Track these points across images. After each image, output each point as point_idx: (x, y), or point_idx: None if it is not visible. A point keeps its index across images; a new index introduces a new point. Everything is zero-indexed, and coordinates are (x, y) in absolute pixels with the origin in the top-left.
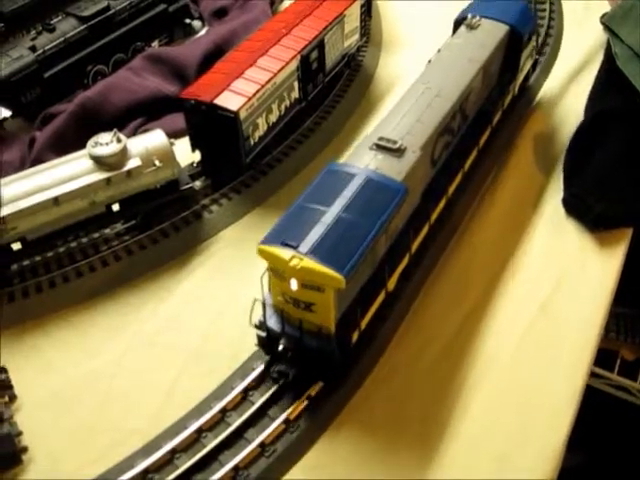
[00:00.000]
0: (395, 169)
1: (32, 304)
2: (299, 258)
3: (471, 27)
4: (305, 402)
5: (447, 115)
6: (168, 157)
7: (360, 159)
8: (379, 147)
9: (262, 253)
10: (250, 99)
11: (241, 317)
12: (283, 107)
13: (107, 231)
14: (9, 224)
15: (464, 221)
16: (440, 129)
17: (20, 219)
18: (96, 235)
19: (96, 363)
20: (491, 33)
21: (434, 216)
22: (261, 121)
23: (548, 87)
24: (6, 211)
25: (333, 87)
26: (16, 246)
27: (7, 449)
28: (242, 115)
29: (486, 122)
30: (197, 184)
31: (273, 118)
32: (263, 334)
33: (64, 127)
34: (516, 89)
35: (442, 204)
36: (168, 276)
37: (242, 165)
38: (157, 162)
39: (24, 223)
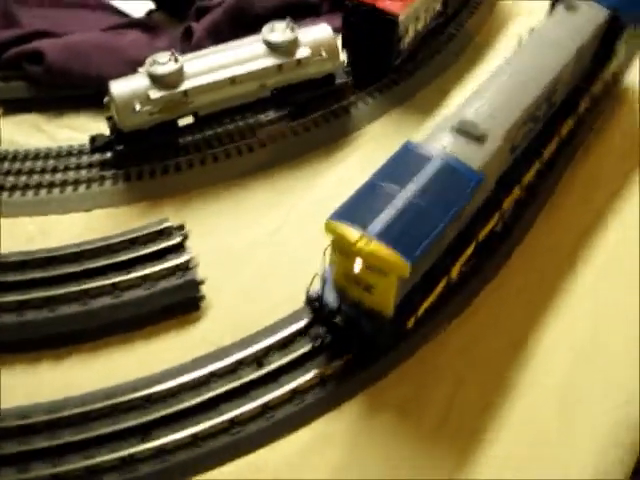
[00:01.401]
0: (474, 156)
1: (196, 175)
2: (367, 240)
3: (570, 8)
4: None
5: (534, 103)
6: (333, 50)
7: (439, 140)
8: (459, 131)
9: (329, 228)
10: (409, 5)
11: None
12: (428, 17)
13: (262, 117)
14: (189, 98)
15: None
16: (525, 117)
17: (199, 94)
18: (254, 119)
19: (253, 234)
20: (590, 17)
21: (506, 206)
22: (411, 27)
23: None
24: (189, 85)
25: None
26: (187, 121)
27: (192, 294)
28: (401, 19)
29: (572, 111)
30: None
31: (420, 26)
32: (317, 305)
33: (220, 20)
34: (608, 78)
35: (516, 194)
36: (319, 162)
37: (389, 67)
38: (323, 53)
39: (201, 98)
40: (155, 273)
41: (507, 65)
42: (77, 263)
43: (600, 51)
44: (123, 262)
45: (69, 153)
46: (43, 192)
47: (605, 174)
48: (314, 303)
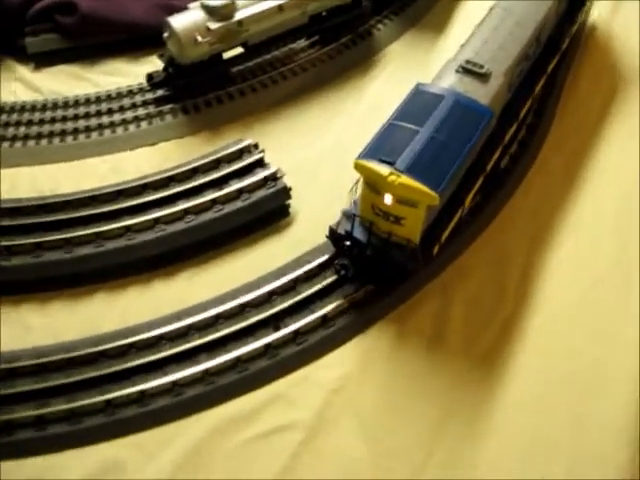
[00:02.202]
0: (481, 93)
1: (248, 101)
2: (396, 175)
3: None
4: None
5: (527, 44)
6: None
7: (447, 81)
8: (466, 70)
9: (359, 168)
10: None
11: None
12: None
13: (300, 43)
14: (244, 27)
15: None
16: (520, 56)
17: (251, 23)
18: (294, 46)
19: (317, 147)
20: None
21: (507, 138)
22: None
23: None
24: (243, 15)
25: None
26: (236, 51)
27: (283, 201)
28: None
29: (555, 49)
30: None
31: None
32: (346, 242)
33: None
34: (583, 17)
35: (514, 127)
36: (356, 80)
37: None
38: None
39: (253, 27)
40: (248, 186)
41: (499, 9)
42: (169, 187)
43: None
44: (216, 180)
45: (120, 95)
46: (107, 132)
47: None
48: (343, 240)
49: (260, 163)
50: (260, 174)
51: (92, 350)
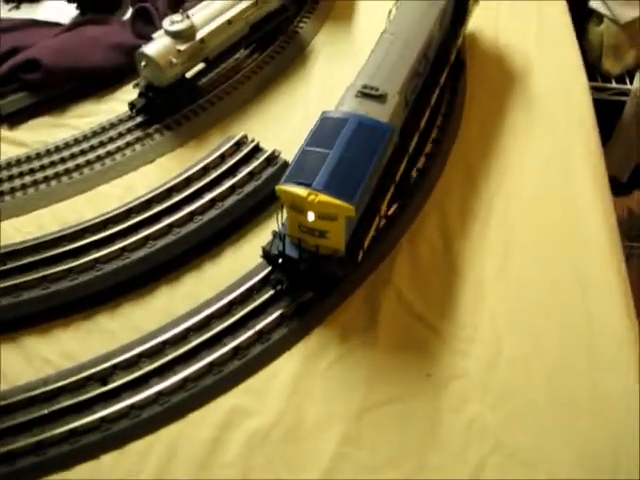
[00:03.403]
0: (381, 113)
1: (220, 107)
2: (315, 194)
3: None
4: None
5: (415, 62)
6: None
7: (348, 106)
8: (364, 94)
9: (281, 193)
10: None
11: None
12: None
13: (238, 56)
14: (205, 44)
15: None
16: (411, 75)
17: (210, 40)
18: (236, 57)
19: (290, 127)
20: None
21: (411, 148)
22: None
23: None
24: (202, 33)
25: None
26: (199, 67)
27: None
28: None
29: (444, 62)
30: None
31: None
32: (279, 260)
33: None
34: (465, 31)
35: (416, 139)
36: (300, 72)
37: None
38: None
39: (211, 43)
40: (256, 168)
41: (387, 34)
42: (189, 187)
43: (457, 9)
44: (227, 170)
45: (104, 129)
46: (107, 161)
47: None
48: (277, 258)
49: (257, 149)
50: (261, 157)
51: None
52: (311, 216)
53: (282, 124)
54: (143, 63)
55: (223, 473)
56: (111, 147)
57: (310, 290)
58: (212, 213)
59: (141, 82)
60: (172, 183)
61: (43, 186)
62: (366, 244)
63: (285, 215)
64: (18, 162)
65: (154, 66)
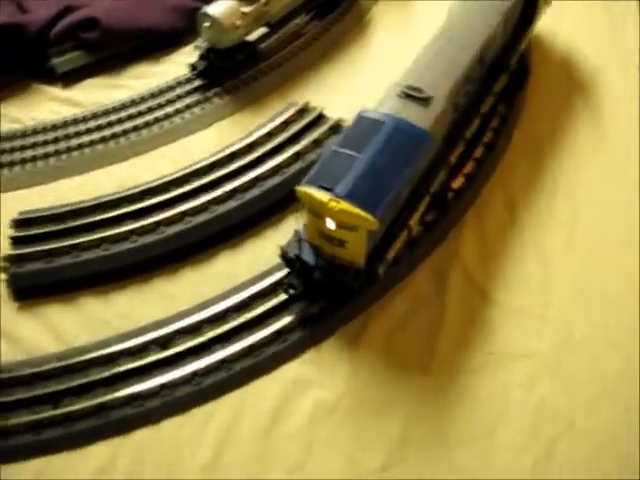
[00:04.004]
0: (422, 117)
1: (280, 72)
2: (336, 201)
3: None
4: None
5: (470, 66)
6: None
7: (389, 106)
8: (407, 95)
9: (301, 194)
10: None
11: None
12: None
13: (298, 21)
14: (269, 7)
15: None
16: (463, 79)
17: (274, 2)
18: (297, 22)
19: (352, 96)
20: None
21: (453, 159)
22: None
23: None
24: None
25: None
26: (262, 31)
27: None
28: None
29: (503, 69)
30: None
31: None
32: (296, 264)
33: None
34: (532, 35)
35: (461, 149)
36: (359, 40)
37: None
38: None
39: (275, 6)
40: (320, 135)
41: (442, 32)
42: (253, 151)
43: (526, 9)
44: (290, 137)
45: (162, 91)
46: (166, 124)
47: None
48: (293, 262)
49: (320, 117)
50: (325, 125)
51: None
52: (330, 224)
53: (341, 92)
54: (206, 24)
55: (286, 445)
56: (169, 109)
57: (327, 298)
58: (276, 179)
59: (202, 44)
60: (234, 148)
61: (100, 147)
62: (389, 258)
63: (305, 218)
64: (75, 121)
65: (217, 27)
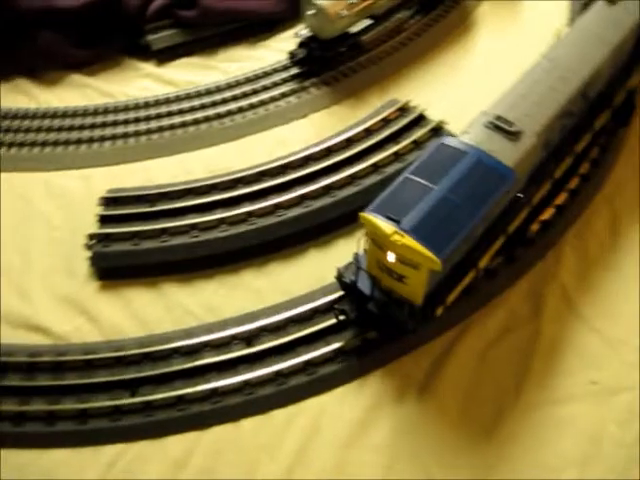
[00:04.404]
0: (508, 153)
1: (381, 67)
2: (400, 235)
3: (611, 1)
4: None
5: (569, 100)
6: None
7: (474, 136)
8: (495, 127)
9: (365, 221)
10: None
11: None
12: None
13: (400, 16)
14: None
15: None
16: (560, 114)
17: None
18: (399, 17)
19: (452, 96)
20: (630, 10)
21: (537, 200)
22: None
23: None
24: None
25: None
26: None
27: None
28: None
29: (607, 104)
30: None
31: None
32: (350, 290)
33: None
34: None
35: (547, 187)
36: (462, 40)
37: None
38: None
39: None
40: (420, 137)
41: (545, 60)
42: (348, 148)
43: (638, 43)
44: (389, 136)
45: (257, 77)
46: (261, 111)
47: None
48: (349, 288)
49: (421, 117)
50: (427, 126)
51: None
52: (391, 257)
53: (441, 93)
54: (311, 12)
55: (367, 456)
56: (264, 96)
57: (378, 330)
58: (373, 178)
59: (304, 32)
60: (331, 142)
61: (192, 129)
62: (450, 300)
63: (366, 245)
64: (167, 101)
65: (323, 16)
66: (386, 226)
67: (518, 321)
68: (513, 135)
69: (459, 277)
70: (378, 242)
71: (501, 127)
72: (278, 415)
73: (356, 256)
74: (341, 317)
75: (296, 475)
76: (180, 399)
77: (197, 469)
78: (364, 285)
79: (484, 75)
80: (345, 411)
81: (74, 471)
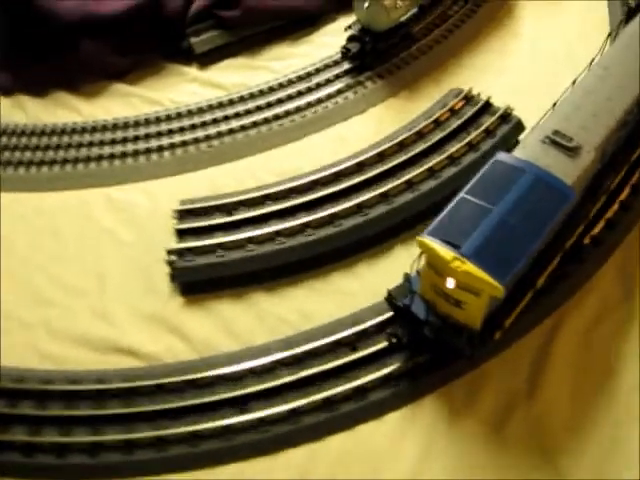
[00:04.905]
0: (567, 170)
1: (431, 57)
2: (461, 261)
3: None
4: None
5: (626, 110)
6: None
7: (530, 152)
8: (552, 142)
9: (422, 246)
10: None
11: None
12: None
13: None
14: None
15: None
16: (617, 126)
17: None
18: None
19: (505, 81)
20: None
21: (592, 213)
22: None
23: None
24: None
25: None
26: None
27: (520, 132)
28: None
29: None
30: None
31: None
32: (404, 314)
33: None
34: None
35: (602, 200)
36: (507, 26)
37: None
38: None
39: None
40: (491, 124)
41: (598, 68)
42: (422, 141)
43: None
44: (458, 127)
45: (309, 74)
46: (319, 109)
47: None
48: (402, 311)
49: (488, 104)
50: (495, 113)
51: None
52: (451, 283)
53: (494, 79)
54: (365, 4)
55: None
56: (321, 94)
57: (434, 354)
58: (451, 170)
59: (355, 25)
60: (402, 136)
61: (252, 132)
62: (507, 324)
63: (421, 265)
64: (220, 105)
65: (378, 8)
66: (445, 252)
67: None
68: (572, 151)
69: (517, 298)
70: (437, 267)
71: (559, 142)
72: (394, 418)
73: (408, 278)
74: (393, 340)
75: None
76: (293, 412)
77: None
78: (418, 309)
79: (532, 59)
80: None
81: None
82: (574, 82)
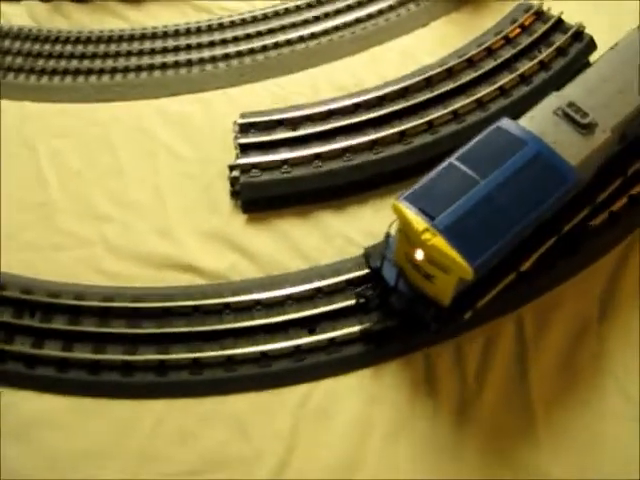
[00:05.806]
0: (574, 148)
1: None
2: (432, 233)
3: None
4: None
5: None
6: None
7: (538, 123)
8: (565, 115)
9: (397, 211)
10: None
11: None
12: None
13: None
14: None
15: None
16: None
17: None
18: None
19: None
20: None
21: (600, 200)
22: None
23: None
24: None
25: None
26: None
27: (591, 51)
28: None
29: None
30: None
31: None
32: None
33: None
34: None
35: (617, 183)
36: None
37: None
38: None
39: None
40: (564, 42)
41: (630, 40)
42: (491, 58)
43: None
44: (532, 42)
45: None
46: (381, 20)
47: None
48: (374, 272)
49: (560, 20)
50: (568, 31)
51: None
52: (420, 255)
53: None
54: None
55: None
56: (382, 5)
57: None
58: (522, 90)
59: None
60: (471, 52)
61: (311, 43)
62: (480, 305)
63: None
64: (276, 14)
65: None
66: (418, 221)
67: None
68: (584, 128)
69: (495, 280)
70: (408, 236)
71: (572, 117)
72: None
73: (387, 238)
74: (361, 301)
75: None
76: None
77: None
78: (389, 275)
79: None
80: None
81: (263, 415)
82: (615, 45)
